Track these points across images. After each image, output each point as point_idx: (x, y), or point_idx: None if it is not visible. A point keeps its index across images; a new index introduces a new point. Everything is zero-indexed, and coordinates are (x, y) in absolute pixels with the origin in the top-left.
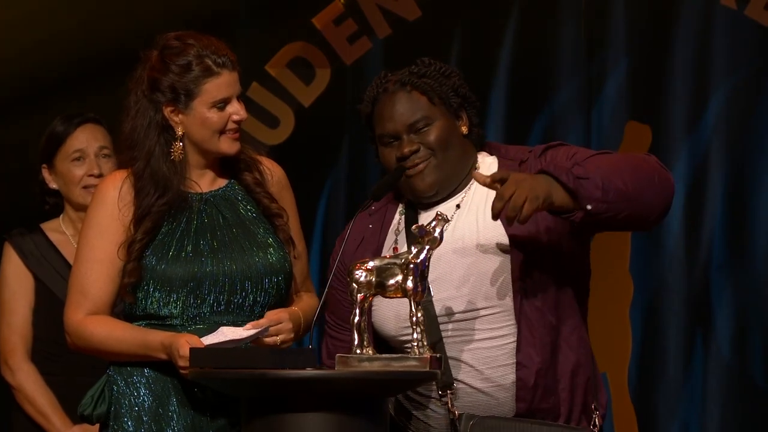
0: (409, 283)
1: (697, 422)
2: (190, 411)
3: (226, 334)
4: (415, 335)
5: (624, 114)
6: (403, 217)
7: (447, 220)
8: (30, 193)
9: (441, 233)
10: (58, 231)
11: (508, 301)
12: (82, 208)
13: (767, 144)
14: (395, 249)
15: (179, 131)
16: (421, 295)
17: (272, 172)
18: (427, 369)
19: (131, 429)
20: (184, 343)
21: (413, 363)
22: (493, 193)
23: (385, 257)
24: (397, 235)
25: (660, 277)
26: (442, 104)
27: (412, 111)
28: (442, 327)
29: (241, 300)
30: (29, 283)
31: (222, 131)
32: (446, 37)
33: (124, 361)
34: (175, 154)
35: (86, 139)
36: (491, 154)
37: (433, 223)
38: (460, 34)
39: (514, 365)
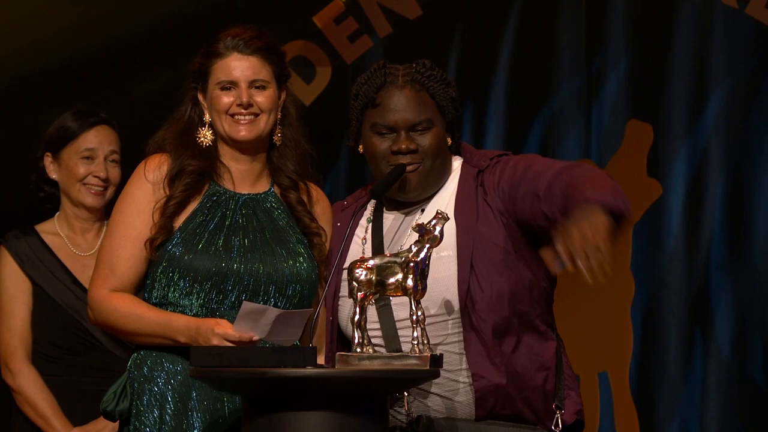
0: (410, 282)
1: (697, 421)
2: (211, 404)
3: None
4: (415, 334)
5: (623, 113)
6: (370, 225)
7: (447, 218)
8: (22, 195)
9: (441, 232)
10: (52, 233)
11: (457, 310)
12: (78, 205)
13: (767, 143)
14: (362, 257)
15: (206, 117)
16: (421, 293)
17: (319, 200)
18: (428, 367)
19: (153, 424)
20: (215, 323)
21: (413, 362)
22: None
23: (385, 256)
24: (363, 245)
25: (659, 277)
26: (443, 113)
27: (418, 110)
28: (399, 332)
29: (261, 302)
30: (26, 287)
31: (228, 114)
32: (447, 35)
33: (144, 357)
34: (203, 139)
35: (99, 141)
36: (459, 156)
37: (434, 221)
38: (460, 32)
39: (469, 374)
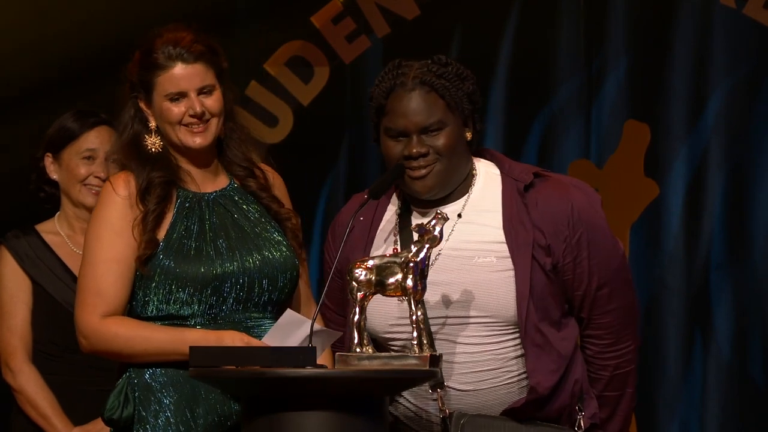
0: (409, 282)
1: (697, 422)
2: (218, 407)
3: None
4: (414, 334)
5: (623, 113)
6: (398, 217)
7: (446, 219)
8: (21, 196)
9: (441, 232)
10: (52, 232)
11: (505, 313)
12: (79, 205)
13: (766, 143)
14: (395, 250)
15: (152, 124)
16: (421, 294)
17: (272, 178)
18: (427, 368)
19: (158, 429)
20: (240, 336)
21: (413, 362)
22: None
23: (385, 256)
24: (395, 236)
25: (659, 277)
26: (456, 110)
27: (428, 113)
28: (433, 329)
29: (257, 298)
30: (27, 286)
31: (181, 124)
32: (445, 35)
33: (144, 363)
34: (151, 147)
35: (100, 141)
36: (493, 163)
37: (433, 221)
38: (459, 32)
39: (509, 375)
